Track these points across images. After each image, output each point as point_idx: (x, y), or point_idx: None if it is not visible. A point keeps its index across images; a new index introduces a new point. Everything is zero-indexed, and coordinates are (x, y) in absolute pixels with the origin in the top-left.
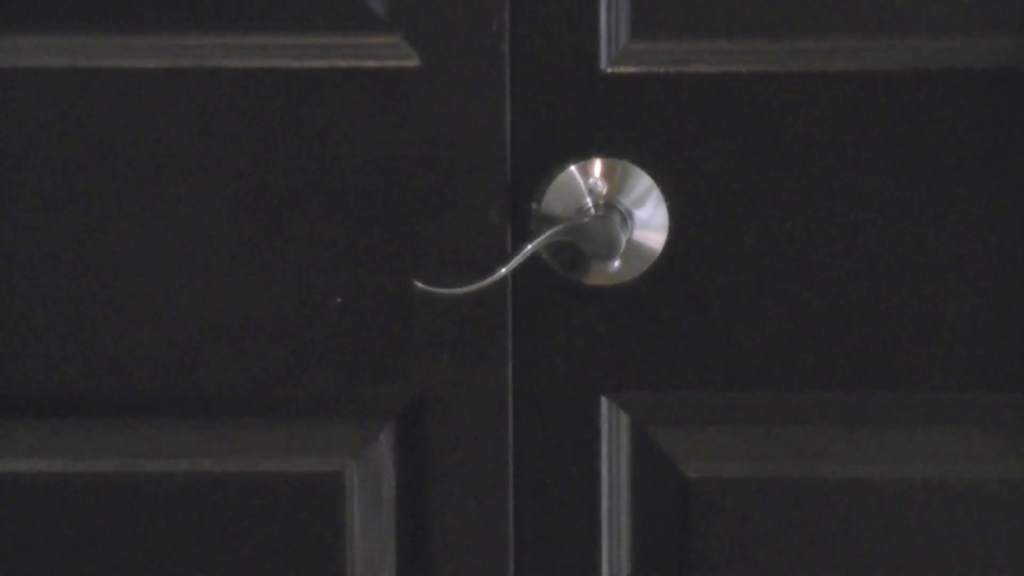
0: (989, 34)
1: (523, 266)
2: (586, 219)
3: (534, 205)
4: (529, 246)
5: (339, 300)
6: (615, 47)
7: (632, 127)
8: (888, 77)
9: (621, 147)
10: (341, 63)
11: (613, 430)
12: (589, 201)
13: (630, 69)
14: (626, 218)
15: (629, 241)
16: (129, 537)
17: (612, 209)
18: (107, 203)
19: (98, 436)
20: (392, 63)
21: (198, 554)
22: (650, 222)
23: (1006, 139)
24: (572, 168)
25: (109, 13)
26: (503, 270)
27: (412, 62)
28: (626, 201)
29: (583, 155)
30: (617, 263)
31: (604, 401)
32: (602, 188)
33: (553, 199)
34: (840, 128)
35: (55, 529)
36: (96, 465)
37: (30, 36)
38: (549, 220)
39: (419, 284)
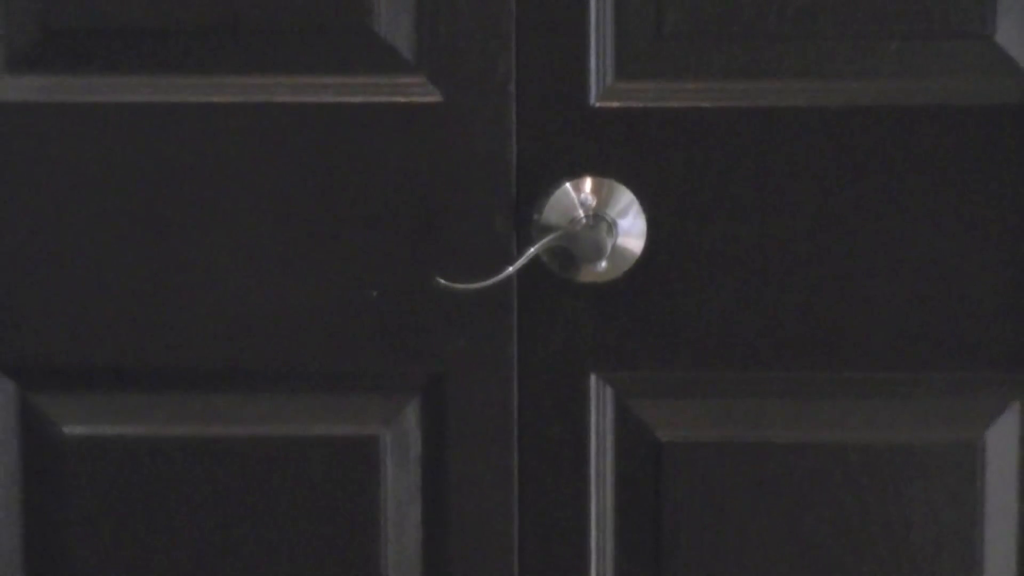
0: (924, 77)
1: (526, 266)
2: (578, 228)
3: (535, 216)
4: (531, 250)
5: (375, 294)
6: (602, 86)
7: (616, 151)
8: (823, 112)
9: (607, 168)
10: (376, 99)
11: (600, 402)
12: (581, 213)
13: (614, 104)
14: (611, 227)
15: (614, 246)
16: (198, 491)
17: (600, 219)
18: (187, 215)
19: (173, 405)
20: (418, 99)
21: (256, 504)
22: (631, 230)
23: (930, 157)
24: (567, 185)
25: (183, 57)
26: (509, 269)
27: (435, 98)
28: (611, 213)
29: (575, 174)
30: (604, 264)
31: (592, 377)
32: (591, 202)
33: (551, 211)
34: (786, 152)
35: (135, 483)
36: (170, 430)
37: (119, 76)
38: (547, 228)
39: (441, 280)
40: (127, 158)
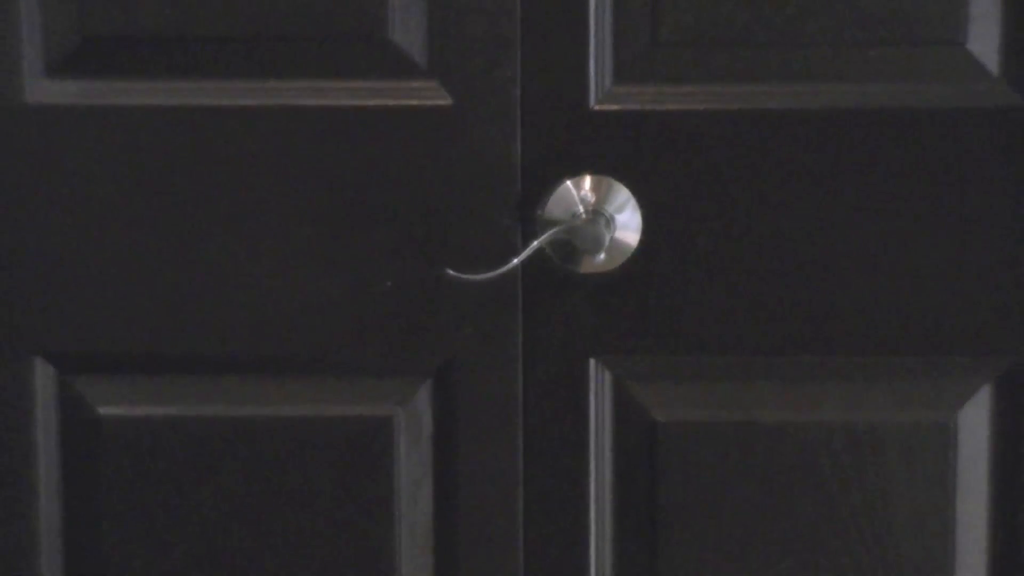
0: (902, 81)
1: (530, 258)
2: (578, 222)
3: (538, 211)
4: (535, 243)
5: (389, 284)
6: (601, 90)
7: (614, 151)
8: (808, 114)
9: (605, 167)
10: (391, 102)
11: (599, 384)
12: (581, 208)
13: (613, 107)
14: (609, 221)
15: (611, 239)
16: (224, 468)
17: (598, 214)
18: (214, 210)
19: (201, 388)
20: (430, 103)
21: (279, 479)
22: (628, 225)
23: (906, 155)
24: (568, 183)
25: (210, 62)
26: (515, 261)
27: (445, 102)
28: (609, 208)
29: (576, 173)
30: (602, 256)
31: (592, 362)
32: (591, 198)
33: (553, 207)
34: (773, 152)
35: (165, 460)
36: (198, 410)
37: (151, 81)
38: (550, 223)
39: (450, 272)
40: (158, 157)
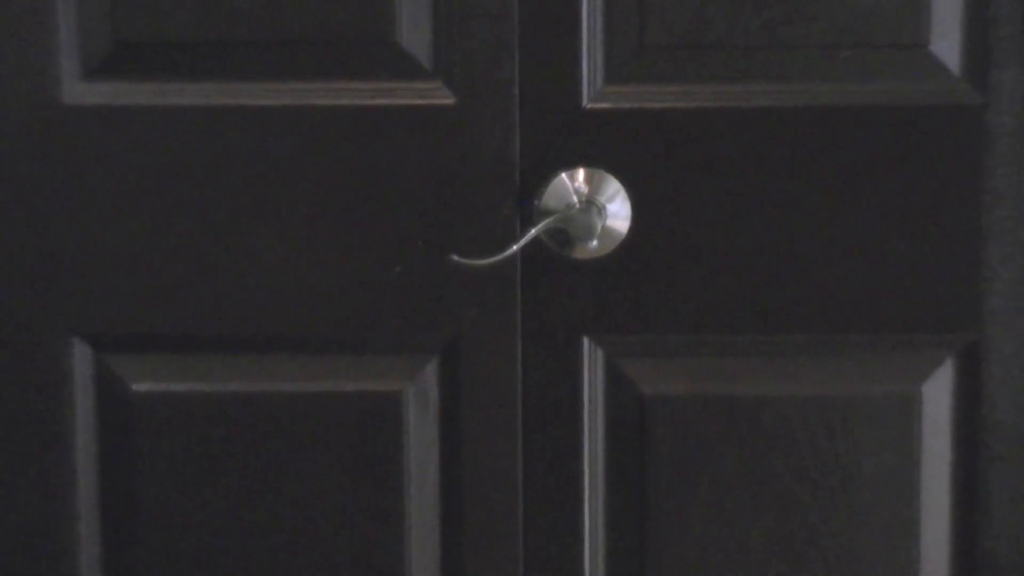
0: (870, 81)
1: (528, 245)
2: (572, 211)
3: (536, 202)
4: (532, 231)
5: (398, 269)
6: (593, 90)
7: (605, 146)
8: (784, 111)
9: (598, 160)
10: (399, 102)
11: (592, 361)
12: (575, 199)
13: (604, 105)
14: (601, 211)
15: (603, 227)
16: (247, 439)
17: (591, 204)
18: (238, 202)
19: (226, 365)
20: (435, 102)
21: (297, 451)
22: (618, 213)
23: (874, 149)
24: (563, 175)
25: (234, 65)
26: (514, 247)
27: (449, 101)
28: (601, 199)
29: (570, 166)
30: (595, 243)
31: (585, 340)
32: (584, 189)
33: (549, 197)
34: (752, 146)
35: (193, 432)
36: (224, 386)
37: (179, 83)
38: (546, 212)
39: (455, 257)
40: (185, 152)
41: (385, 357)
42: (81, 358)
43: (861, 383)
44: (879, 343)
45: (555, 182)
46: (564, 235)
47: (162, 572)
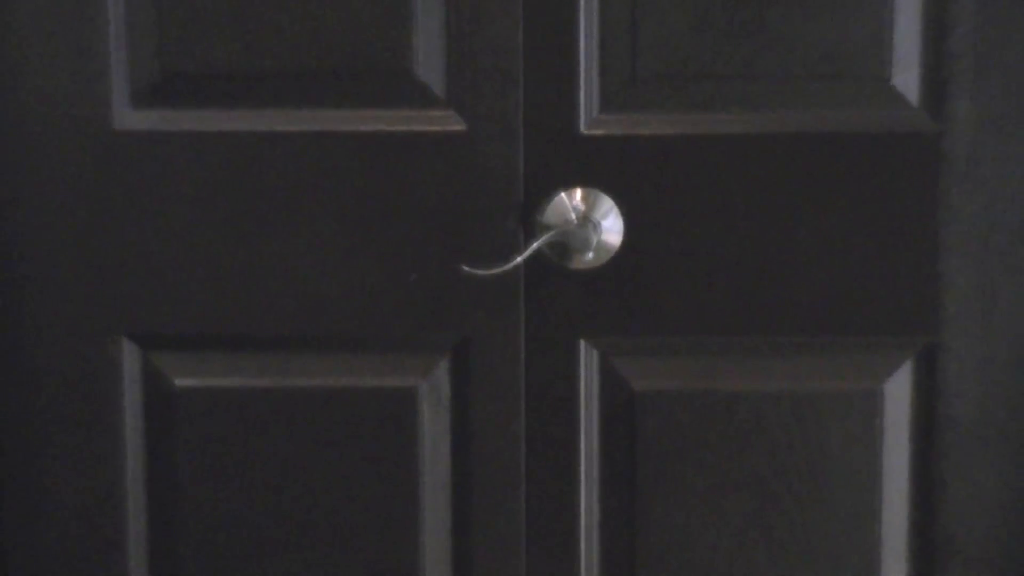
0: (836, 110)
1: (530, 256)
2: (571, 227)
3: (538, 218)
4: (535, 244)
5: (414, 277)
6: (589, 117)
7: (600, 168)
8: (760, 137)
9: (593, 181)
10: (414, 128)
11: (587, 361)
12: (573, 215)
13: (599, 131)
14: (596, 226)
15: (598, 241)
16: (278, 429)
17: (587, 220)
18: (272, 216)
19: (260, 362)
20: (448, 128)
21: (322, 440)
22: (612, 229)
23: (841, 171)
24: (562, 194)
25: (269, 94)
26: (518, 259)
27: (461, 128)
28: (596, 215)
29: (569, 186)
30: (590, 255)
31: (582, 342)
32: (581, 207)
33: (550, 214)
34: (732, 169)
35: (231, 424)
36: (258, 382)
37: (221, 110)
38: (547, 227)
39: (465, 267)
40: (224, 173)
41: (401, 356)
42: (129, 356)
43: (829, 381)
44: (846, 345)
45: (555, 200)
46: (563, 248)
47: (201, 553)
